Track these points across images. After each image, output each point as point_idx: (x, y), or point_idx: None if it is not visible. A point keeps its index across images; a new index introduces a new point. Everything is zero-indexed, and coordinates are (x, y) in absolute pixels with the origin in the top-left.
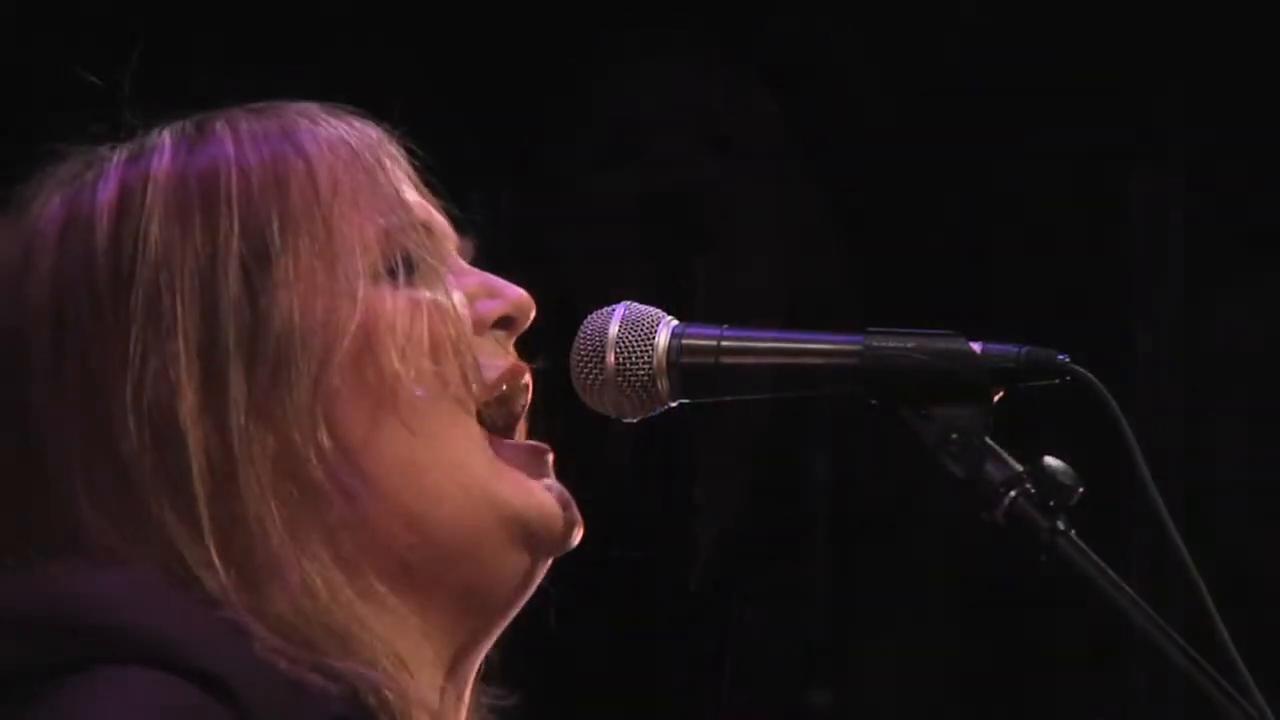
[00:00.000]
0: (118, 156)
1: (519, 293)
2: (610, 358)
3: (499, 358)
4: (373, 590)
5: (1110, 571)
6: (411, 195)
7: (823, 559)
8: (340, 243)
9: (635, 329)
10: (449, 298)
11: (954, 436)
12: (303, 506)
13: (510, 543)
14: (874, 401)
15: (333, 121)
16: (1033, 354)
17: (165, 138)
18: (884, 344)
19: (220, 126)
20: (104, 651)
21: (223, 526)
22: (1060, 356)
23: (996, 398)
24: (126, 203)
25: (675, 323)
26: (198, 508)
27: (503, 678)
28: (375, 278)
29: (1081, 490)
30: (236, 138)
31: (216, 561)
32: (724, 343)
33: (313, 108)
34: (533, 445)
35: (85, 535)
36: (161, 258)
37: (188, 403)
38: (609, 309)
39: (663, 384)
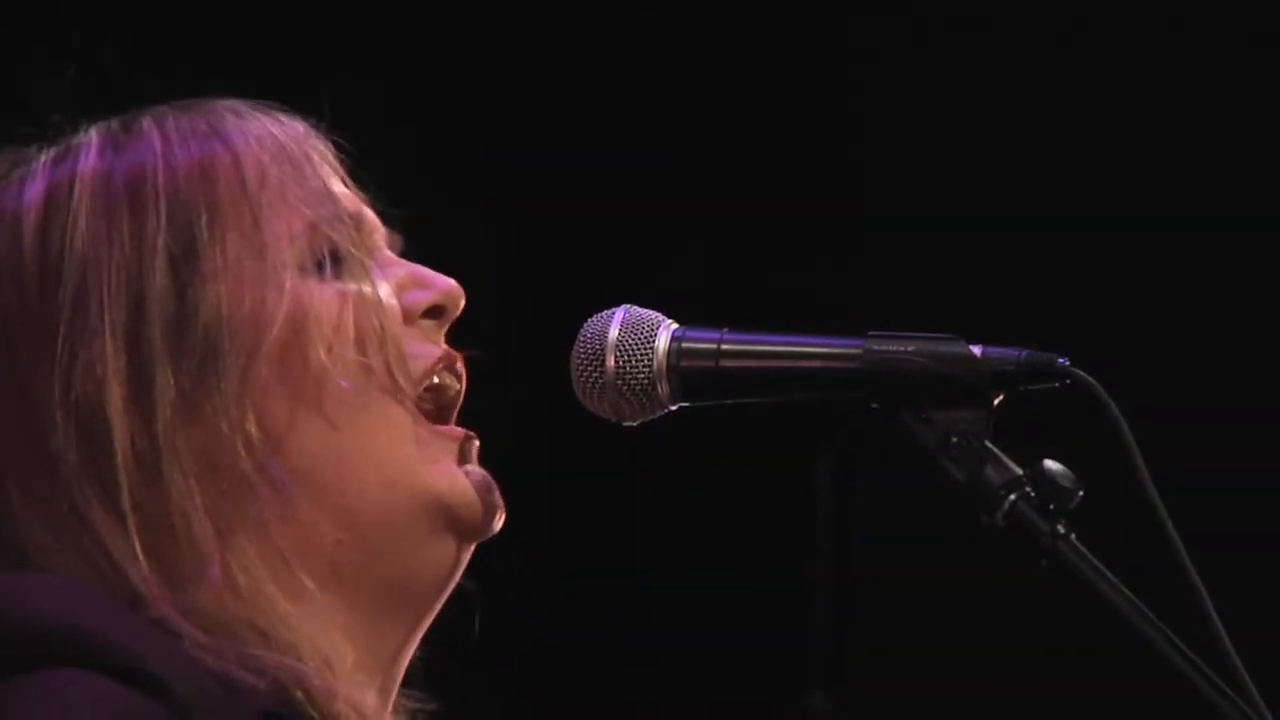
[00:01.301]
0: (45, 156)
1: (448, 282)
2: (610, 361)
3: (428, 347)
4: (298, 586)
5: (1110, 575)
6: (339, 188)
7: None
8: (268, 235)
9: (635, 332)
10: (375, 289)
11: (954, 440)
12: (228, 499)
13: (433, 531)
14: (874, 405)
15: (260, 116)
16: (1033, 357)
17: (92, 136)
18: (884, 347)
19: (147, 124)
20: (39, 652)
21: (147, 519)
22: (1060, 360)
23: (997, 401)
24: (53, 201)
25: (675, 326)
26: (122, 501)
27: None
28: (303, 270)
29: (1082, 493)
30: (164, 134)
31: (140, 556)
32: (724, 346)
33: (240, 104)
34: (459, 431)
35: (16, 532)
36: (88, 253)
37: (114, 395)
38: (609, 312)
39: (663, 387)
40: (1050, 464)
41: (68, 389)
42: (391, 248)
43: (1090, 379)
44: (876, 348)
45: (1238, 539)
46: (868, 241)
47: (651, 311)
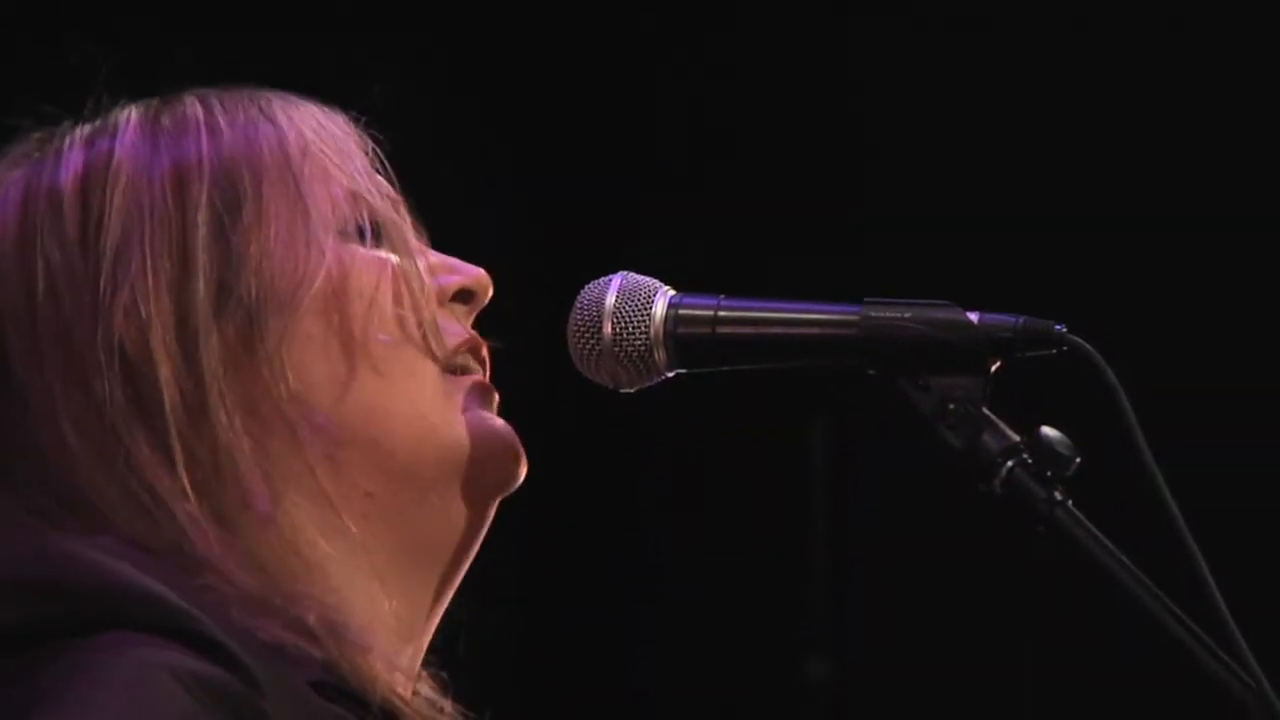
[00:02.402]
0: (79, 132)
1: (478, 270)
2: (607, 328)
3: (456, 326)
4: (340, 530)
5: (1107, 541)
6: (377, 176)
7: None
8: (310, 199)
9: (632, 299)
10: (413, 261)
11: (951, 407)
12: (271, 443)
13: (462, 484)
14: (871, 371)
15: (303, 103)
16: (1030, 324)
17: (131, 112)
18: (881, 314)
19: (189, 100)
20: (105, 616)
21: (194, 458)
22: (1058, 327)
23: (994, 368)
24: (92, 169)
25: (672, 292)
26: (170, 440)
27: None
28: (343, 235)
29: (1079, 460)
30: (207, 109)
31: (189, 492)
32: (721, 312)
33: (282, 92)
34: (482, 384)
35: (74, 475)
36: (131, 206)
37: (158, 337)
38: (605, 279)
39: (660, 354)
40: (1047, 431)
41: (110, 331)
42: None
43: (1087, 345)
44: (874, 314)
45: (1234, 506)
46: (867, 241)
47: (648, 278)
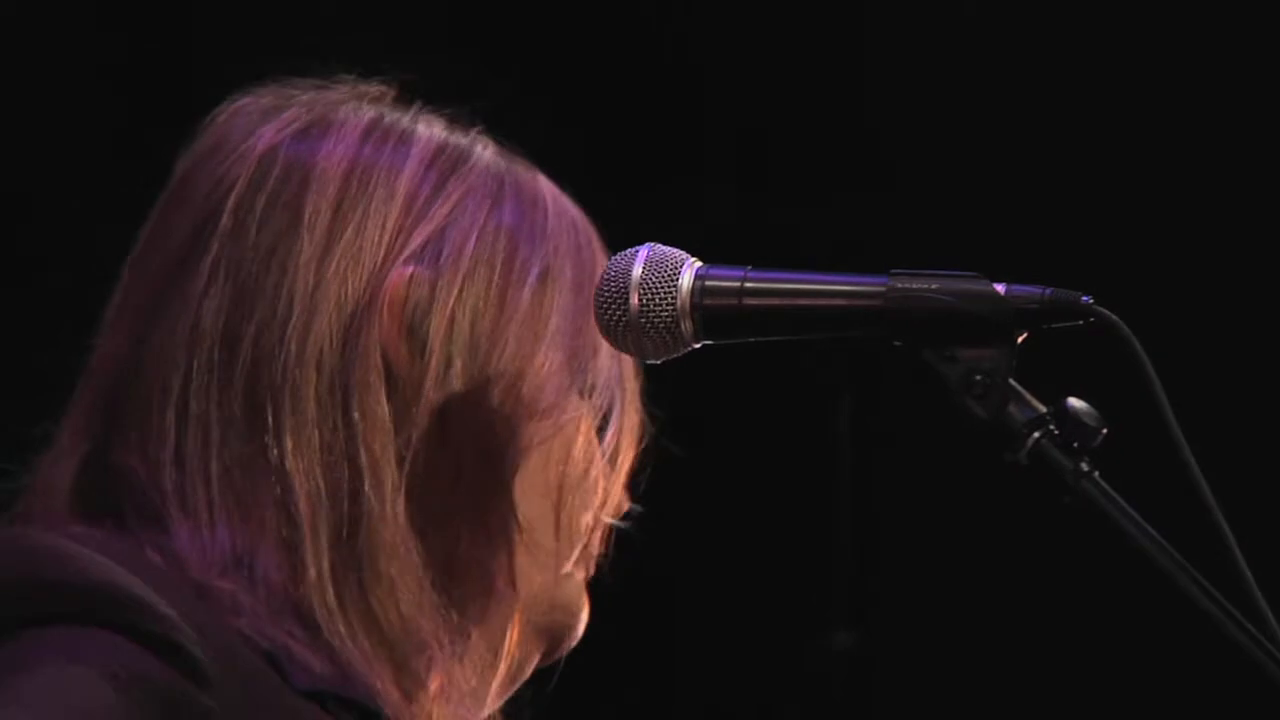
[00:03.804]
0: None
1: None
2: (634, 299)
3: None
4: (442, 607)
5: (1134, 513)
6: None
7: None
8: (592, 346)
9: (659, 270)
10: (621, 479)
11: (978, 378)
12: (420, 491)
13: (540, 637)
14: (898, 343)
15: None
16: (1057, 295)
17: (489, 144)
18: (908, 285)
19: (541, 178)
20: (64, 608)
21: (412, 448)
22: (1085, 298)
23: (1021, 339)
24: (449, 143)
25: (699, 264)
26: (409, 427)
27: None
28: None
29: (1105, 431)
30: (551, 189)
31: (393, 476)
32: (747, 284)
33: None
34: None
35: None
36: (471, 201)
37: (460, 319)
38: (632, 250)
39: (686, 326)
40: (1074, 402)
41: (393, 277)
42: None
43: (1114, 317)
44: (900, 285)
45: (1264, 477)
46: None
47: (675, 250)
